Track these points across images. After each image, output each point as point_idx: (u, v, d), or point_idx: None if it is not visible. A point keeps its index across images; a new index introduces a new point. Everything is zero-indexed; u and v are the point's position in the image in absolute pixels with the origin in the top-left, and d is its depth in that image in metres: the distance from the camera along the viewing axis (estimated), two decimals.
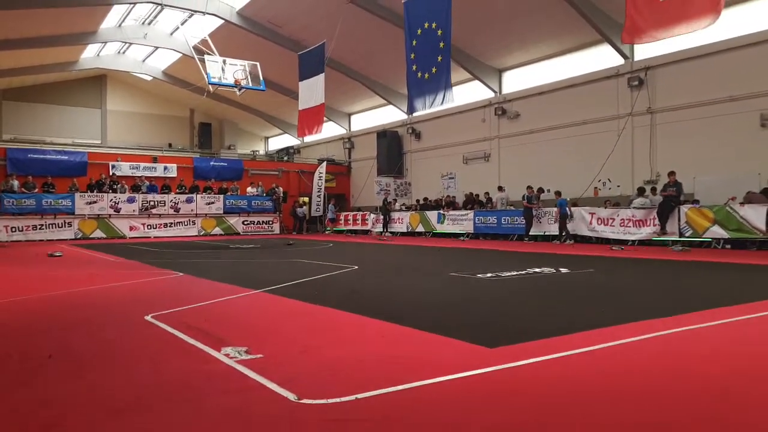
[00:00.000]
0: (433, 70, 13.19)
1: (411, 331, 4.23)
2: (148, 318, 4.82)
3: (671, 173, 14.54)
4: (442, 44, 13.02)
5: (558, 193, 17.49)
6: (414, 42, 13.90)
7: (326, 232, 27.11)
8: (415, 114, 21.47)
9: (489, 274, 7.98)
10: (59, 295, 6.29)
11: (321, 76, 18.51)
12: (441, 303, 5.69)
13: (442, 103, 13.25)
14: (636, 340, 3.96)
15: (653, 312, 4.92)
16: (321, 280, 7.60)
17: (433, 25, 13.18)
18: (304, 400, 2.68)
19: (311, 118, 18.79)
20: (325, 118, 24.33)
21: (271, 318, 4.91)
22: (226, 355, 3.52)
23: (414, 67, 13.94)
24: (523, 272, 8.32)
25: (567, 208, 16.57)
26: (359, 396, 2.72)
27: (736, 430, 2.42)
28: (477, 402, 2.69)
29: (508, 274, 8.12)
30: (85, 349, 3.79)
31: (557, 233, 16.74)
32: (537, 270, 8.60)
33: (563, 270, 8.64)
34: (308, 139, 29.44)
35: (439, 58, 13.06)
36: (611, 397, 2.81)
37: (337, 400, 2.67)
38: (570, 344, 3.78)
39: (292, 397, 2.73)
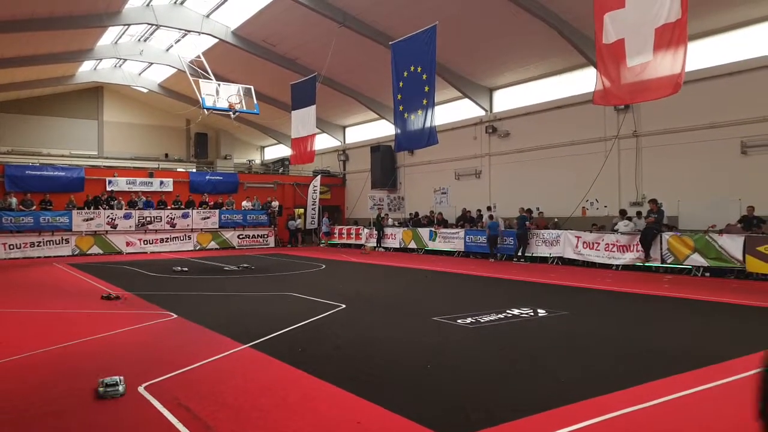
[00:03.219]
0: (419, 112, 13.63)
1: (382, 413, 4.61)
2: (141, 390, 5.19)
3: (652, 201, 14.97)
4: (426, 88, 13.45)
5: (491, 217, 19.14)
6: (401, 83, 14.34)
7: (321, 245, 27.50)
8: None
9: (469, 320, 8.37)
10: (50, 356, 6.62)
11: (312, 108, 18.90)
12: (418, 366, 6.05)
13: (425, 144, 13.69)
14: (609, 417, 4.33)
15: (633, 374, 5.31)
16: (307, 328, 7.98)
17: (419, 69, 13.61)
18: None
19: (303, 148, 19.18)
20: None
21: (255, 391, 5.27)
22: None
23: (401, 108, 14.37)
24: (502, 316, 8.70)
25: (498, 230, 18.63)
26: None
27: None
28: None
29: (488, 318, 8.51)
30: None
31: (546, 255, 17.22)
32: (515, 312, 8.99)
33: (541, 312, 9.04)
34: None
35: (424, 101, 13.49)
36: None
37: None
38: (535, 428, 4.16)
39: None
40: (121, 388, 5.15)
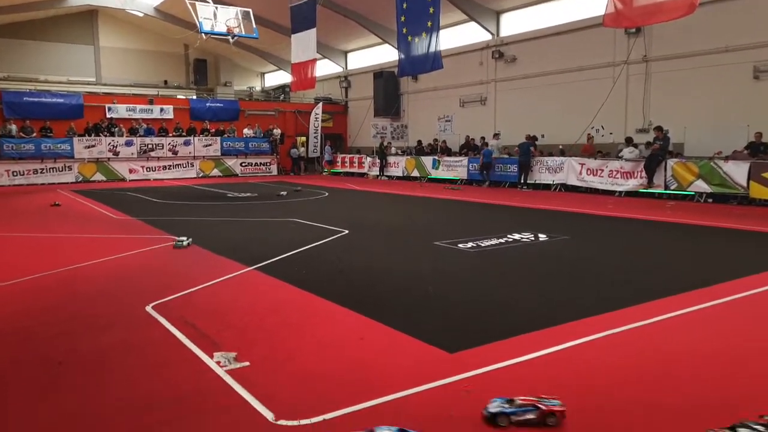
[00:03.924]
0: (423, 35, 13.16)
1: (384, 330, 4.73)
2: (149, 309, 5.32)
3: (657, 128, 14.78)
4: (431, 9, 12.92)
5: (486, 144, 19.29)
6: (404, 4, 13.76)
7: (323, 174, 27.46)
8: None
9: (470, 244, 8.45)
10: (58, 278, 6.73)
11: (312, 31, 18.29)
12: (419, 288, 6.16)
13: (430, 68, 13.32)
14: (592, 339, 4.44)
15: (628, 295, 5.41)
16: (311, 252, 8.08)
17: None
18: (280, 421, 3.18)
19: (304, 73, 18.73)
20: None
21: (261, 310, 5.40)
22: (217, 362, 4.02)
23: (404, 30, 13.87)
24: (503, 240, 8.78)
25: (491, 157, 18.81)
26: (326, 416, 3.23)
27: None
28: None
29: (488, 243, 8.59)
30: (90, 356, 4.28)
31: (548, 183, 17.22)
32: (516, 237, 9.06)
33: (542, 237, 9.11)
34: None
35: (429, 23, 13.01)
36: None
37: (308, 421, 3.18)
38: (530, 345, 4.29)
39: (270, 416, 3.23)
40: (185, 242, 8.48)
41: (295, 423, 3.17)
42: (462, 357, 4.14)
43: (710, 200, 13.81)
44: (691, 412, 3.33)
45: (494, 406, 3.18)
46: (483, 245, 8.42)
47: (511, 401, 3.20)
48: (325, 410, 3.29)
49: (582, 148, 18.04)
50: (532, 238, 9.00)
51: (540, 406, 3.14)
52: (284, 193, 17.18)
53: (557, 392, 3.52)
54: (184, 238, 8.65)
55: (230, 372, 3.87)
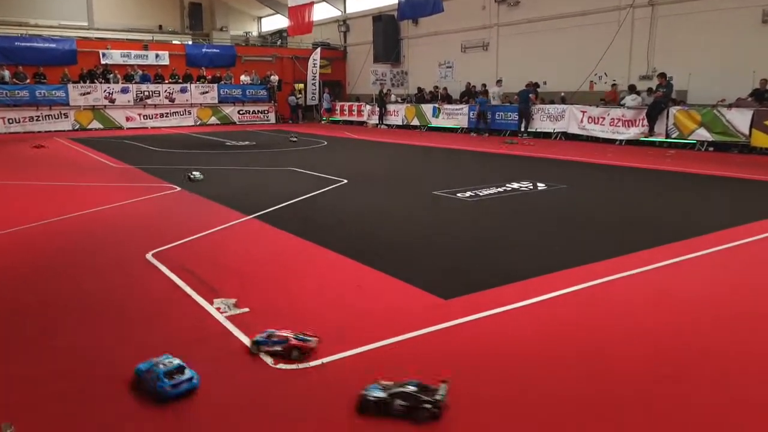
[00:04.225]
0: None
1: (381, 277, 4.80)
2: (149, 257, 5.37)
3: (660, 75, 14.54)
4: None
5: (485, 93, 19.29)
6: None
7: (322, 122, 27.16)
8: None
9: (468, 193, 8.46)
10: (58, 226, 6.78)
11: None
12: (416, 237, 6.21)
13: (430, 12, 12.95)
14: (583, 287, 4.51)
15: (624, 244, 5.46)
16: (309, 202, 8.09)
17: None
18: (279, 365, 3.27)
19: (301, 17, 18.22)
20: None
21: (260, 258, 5.47)
22: (218, 309, 4.10)
23: None
24: (501, 189, 8.78)
25: (486, 106, 18.92)
26: (324, 360, 3.31)
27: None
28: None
29: (487, 192, 8.59)
30: (89, 303, 4.34)
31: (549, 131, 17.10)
32: (515, 186, 9.06)
33: (540, 186, 9.10)
34: None
35: None
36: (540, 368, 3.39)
37: (306, 365, 3.27)
38: (522, 293, 4.35)
39: (269, 361, 3.32)
40: (199, 176, 9.38)
41: (293, 367, 3.26)
42: (456, 303, 4.22)
43: (711, 149, 13.72)
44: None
45: (258, 336, 3.46)
46: (482, 194, 8.43)
47: (273, 333, 3.46)
48: (323, 355, 3.37)
49: (606, 94, 17.52)
50: (531, 187, 9.00)
51: (290, 339, 3.38)
52: (295, 139, 17.34)
53: (543, 339, 3.62)
54: (198, 173, 9.47)
55: (230, 318, 3.95)
